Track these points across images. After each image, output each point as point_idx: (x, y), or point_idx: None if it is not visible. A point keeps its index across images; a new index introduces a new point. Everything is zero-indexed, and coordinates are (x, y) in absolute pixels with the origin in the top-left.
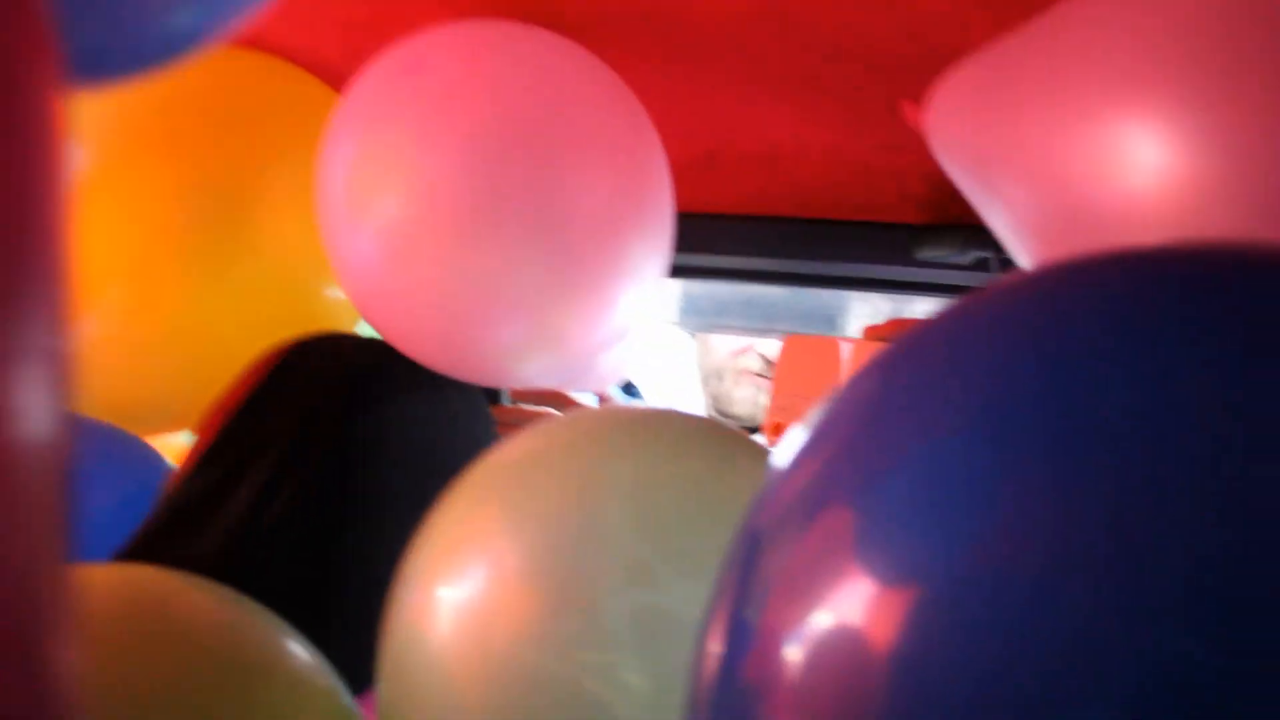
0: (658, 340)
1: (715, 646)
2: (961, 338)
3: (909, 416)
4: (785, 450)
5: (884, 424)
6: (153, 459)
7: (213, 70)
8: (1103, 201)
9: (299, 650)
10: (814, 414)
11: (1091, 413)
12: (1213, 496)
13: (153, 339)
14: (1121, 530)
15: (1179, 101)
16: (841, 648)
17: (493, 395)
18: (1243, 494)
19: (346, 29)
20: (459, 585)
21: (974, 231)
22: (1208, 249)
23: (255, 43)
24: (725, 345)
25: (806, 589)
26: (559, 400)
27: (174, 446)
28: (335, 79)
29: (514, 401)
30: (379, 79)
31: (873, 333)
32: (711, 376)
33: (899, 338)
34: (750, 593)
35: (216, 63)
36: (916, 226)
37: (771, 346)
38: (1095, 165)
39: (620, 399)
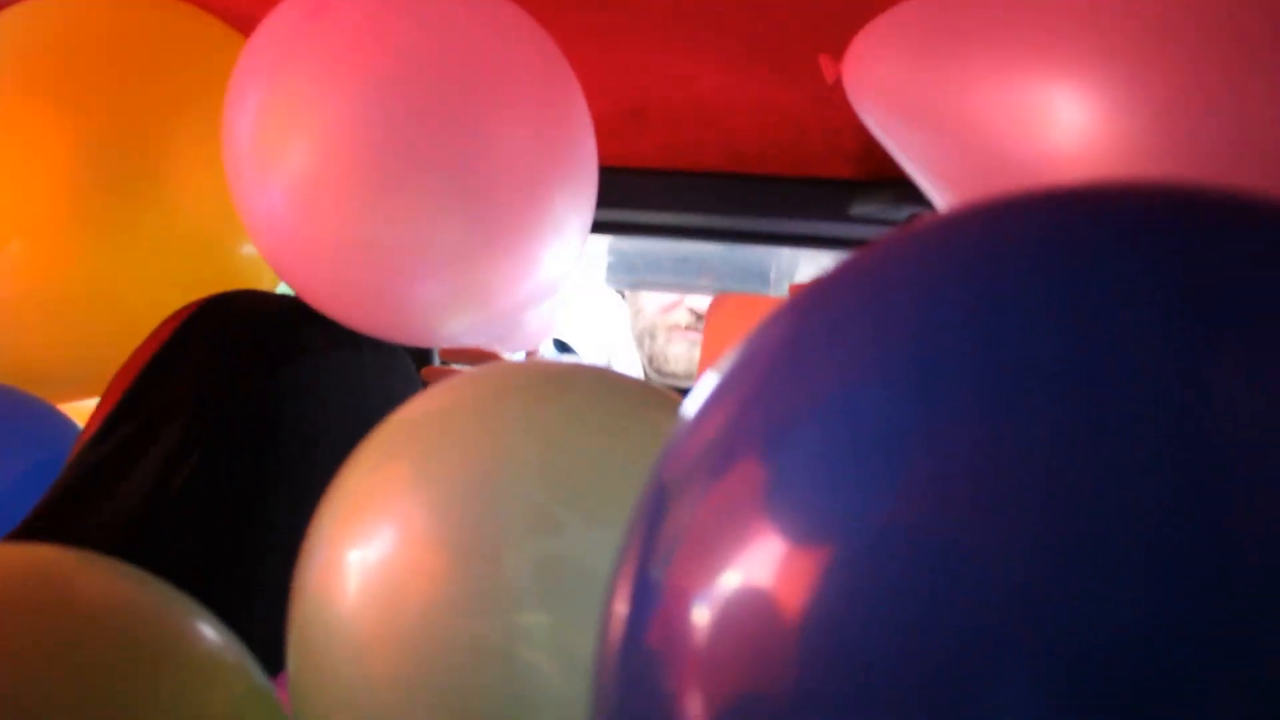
0: (591, 300)
1: (620, 607)
2: (881, 278)
3: (825, 362)
4: (696, 398)
5: (798, 370)
6: (64, 426)
7: (115, 13)
8: (1021, 156)
9: (206, 629)
10: (726, 359)
11: (1021, 357)
12: (1148, 443)
13: (57, 300)
14: (1052, 481)
15: (1101, 59)
16: (752, 609)
17: (423, 356)
18: (1179, 441)
19: None
20: (366, 547)
21: (907, 188)
22: (1143, 187)
23: None
24: (654, 303)
25: (715, 546)
26: (491, 360)
27: (87, 413)
28: (245, 24)
29: (444, 362)
30: (283, 24)
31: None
32: (645, 336)
33: (816, 280)
34: (657, 549)
35: (119, 5)
36: (849, 182)
37: (701, 300)
38: (1014, 120)
39: (553, 358)
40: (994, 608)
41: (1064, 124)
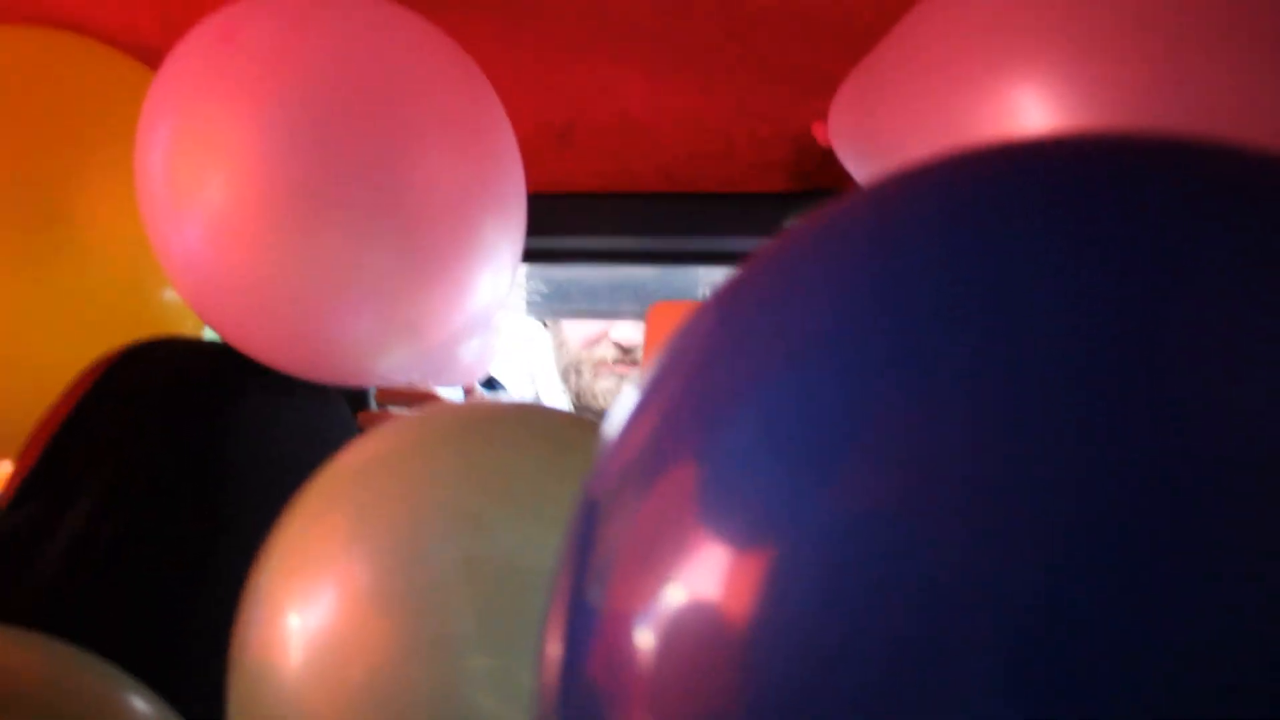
0: (516, 332)
1: (556, 639)
2: (793, 262)
3: (747, 353)
4: (620, 408)
5: (720, 367)
6: None
7: (20, 54)
8: None
9: (137, 702)
10: (647, 367)
11: (931, 327)
12: (1069, 405)
13: None
14: (983, 455)
15: (1063, 58)
16: (698, 623)
17: (359, 399)
18: (1100, 409)
19: (163, 4)
20: (307, 608)
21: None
22: (1047, 143)
23: (66, 23)
24: (577, 337)
25: (653, 559)
26: (428, 400)
27: (1, 477)
28: (154, 59)
29: (380, 404)
30: (192, 53)
31: None
32: (570, 372)
33: (734, 273)
34: (591, 571)
35: (23, 45)
36: (782, 195)
37: (626, 331)
38: (996, 125)
39: (485, 395)
40: (937, 597)
41: (1037, 120)
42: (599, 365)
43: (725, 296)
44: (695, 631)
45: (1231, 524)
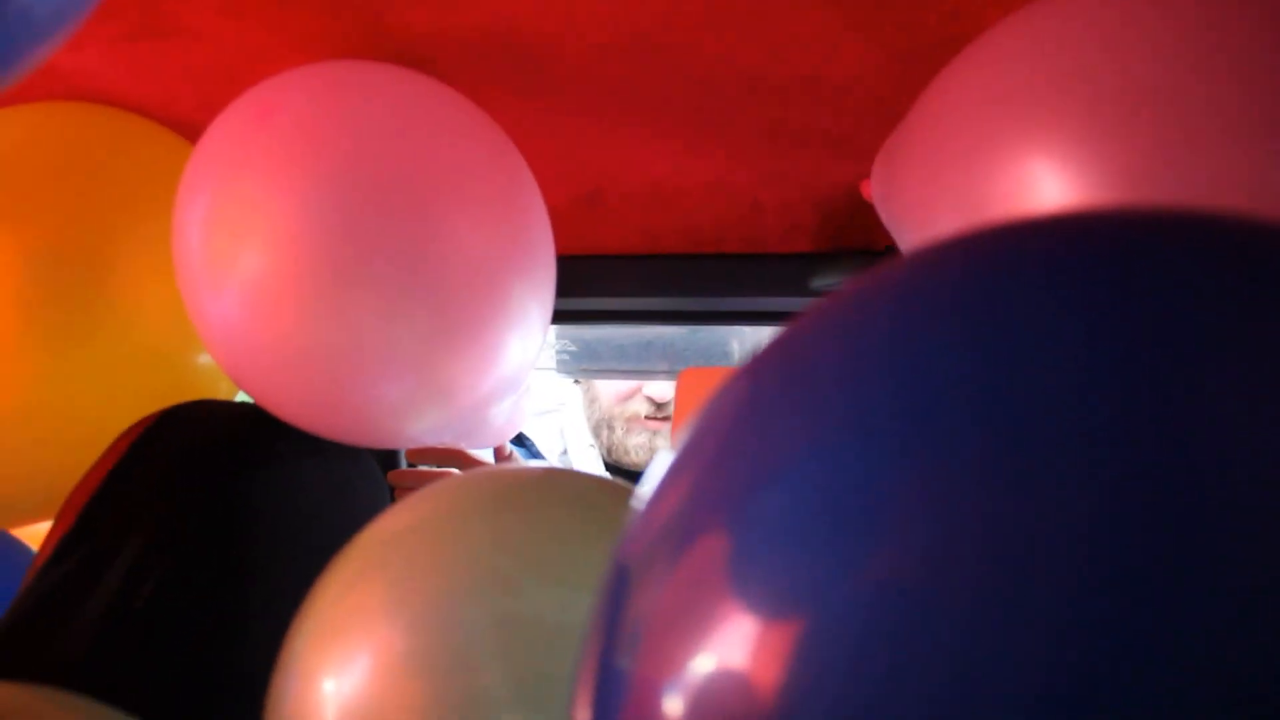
0: (546, 390)
1: (584, 705)
2: (817, 341)
3: (775, 428)
4: (653, 476)
5: (753, 437)
6: (15, 551)
7: (59, 126)
8: None
9: None
10: (681, 435)
11: (938, 402)
12: (1076, 472)
13: (6, 419)
14: (999, 530)
15: (1077, 135)
16: (728, 692)
17: (389, 457)
18: (1103, 474)
19: (198, 79)
20: (342, 675)
21: (866, 258)
22: (1050, 223)
23: (104, 98)
24: (610, 393)
25: (682, 628)
26: (459, 459)
27: (40, 537)
28: (191, 132)
29: (411, 463)
30: (229, 127)
31: None
32: (602, 427)
33: (764, 347)
34: (620, 638)
35: (62, 118)
36: (808, 255)
37: (658, 388)
38: (1013, 198)
39: (516, 452)
40: (973, 661)
41: (1050, 195)
42: (631, 420)
43: (754, 371)
44: (723, 700)
45: (1260, 631)
